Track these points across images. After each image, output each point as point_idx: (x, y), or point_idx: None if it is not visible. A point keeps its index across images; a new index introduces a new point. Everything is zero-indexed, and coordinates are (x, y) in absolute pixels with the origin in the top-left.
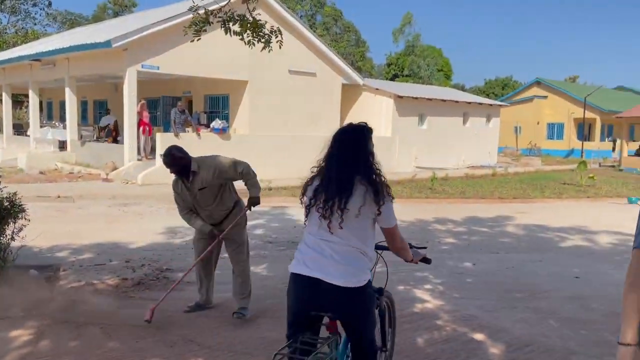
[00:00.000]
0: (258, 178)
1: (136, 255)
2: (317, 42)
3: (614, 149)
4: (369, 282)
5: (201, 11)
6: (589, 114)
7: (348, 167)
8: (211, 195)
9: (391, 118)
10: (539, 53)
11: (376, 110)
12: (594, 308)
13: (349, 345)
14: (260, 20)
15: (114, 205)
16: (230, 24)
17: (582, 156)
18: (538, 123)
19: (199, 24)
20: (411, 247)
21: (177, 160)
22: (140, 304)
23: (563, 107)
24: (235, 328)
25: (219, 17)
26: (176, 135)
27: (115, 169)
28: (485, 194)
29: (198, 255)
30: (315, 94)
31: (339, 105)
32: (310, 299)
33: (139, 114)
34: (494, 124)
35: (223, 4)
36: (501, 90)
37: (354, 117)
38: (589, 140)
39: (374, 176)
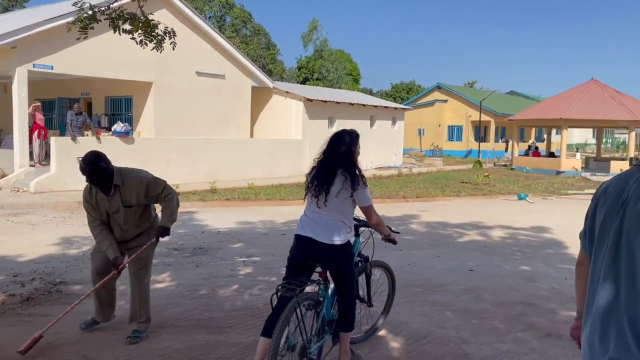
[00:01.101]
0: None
1: (26, 269)
2: (226, 43)
3: (506, 149)
4: (348, 242)
5: (86, 6)
6: (485, 117)
7: (333, 162)
8: (133, 214)
9: (301, 121)
10: (441, 59)
11: (286, 113)
12: (485, 298)
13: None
14: (153, 20)
15: (1, 215)
16: (120, 22)
17: (479, 156)
18: (439, 125)
19: (85, 21)
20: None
21: (98, 170)
22: (30, 321)
23: (462, 110)
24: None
25: (107, 14)
26: (73, 139)
27: (4, 176)
28: (391, 194)
29: (94, 268)
30: (224, 96)
31: (249, 108)
32: (306, 252)
33: (32, 116)
34: (399, 127)
35: (112, 0)
36: (406, 94)
37: (265, 120)
38: (484, 141)
39: (352, 169)
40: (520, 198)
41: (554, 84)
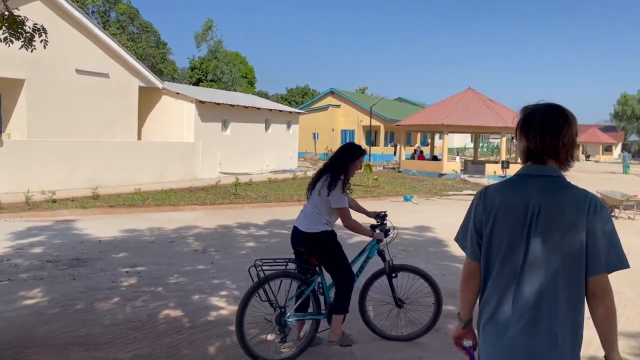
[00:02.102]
0: (38, 188)
1: None
2: (110, 40)
3: (395, 153)
4: (324, 232)
5: None
6: (375, 122)
7: (325, 168)
8: None
9: (193, 123)
10: (334, 65)
11: (177, 115)
12: (368, 297)
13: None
14: (20, 16)
15: None
16: None
17: (370, 160)
18: (333, 130)
19: None
20: (377, 216)
21: None
22: None
23: (354, 115)
24: None
25: None
26: None
27: None
28: (285, 198)
29: None
30: (109, 96)
31: (136, 110)
32: (293, 238)
33: None
34: (293, 131)
35: None
36: (301, 98)
37: (154, 122)
38: (375, 145)
39: (335, 175)
40: (406, 199)
41: (437, 91)
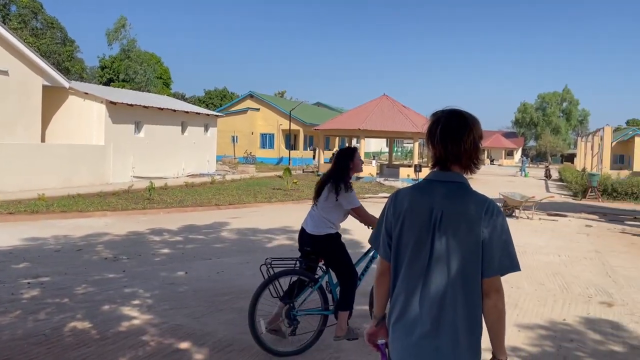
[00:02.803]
0: None
1: None
2: (9, 35)
3: (314, 157)
4: (329, 234)
5: None
6: (294, 126)
7: (328, 176)
8: None
9: (103, 125)
10: (253, 67)
11: (86, 116)
12: None
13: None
14: None
15: None
16: None
17: (289, 163)
18: (252, 133)
19: None
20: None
21: None
22: None
23: (273, 119)
24: None
25: None
26: None
27: None
28: (203, 202)
29: None
30: (9, 95)
31: (40, 110)
32: (300, 240)
33: None
34: (211, 134)
35: None
36: (220, 101)
37: (60, 123)
38: (295, 149)
39: (337, 181)
40: None
41: (354, 97)
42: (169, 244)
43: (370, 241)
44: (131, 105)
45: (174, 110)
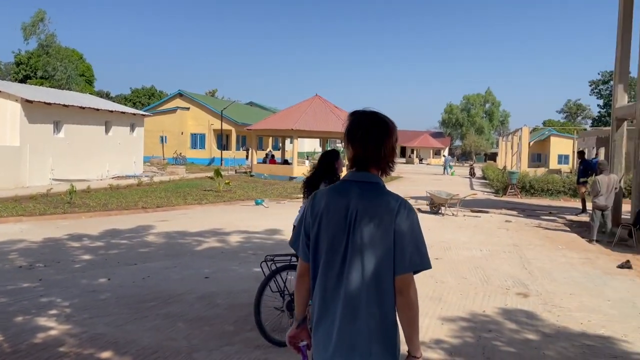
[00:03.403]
0: None
1: None
2: None
3: (247, 157)
4: None
5: None
6: (226, 126)
7: (319, 176)
8: None
9: (18, 125)
10: (182, 66)
11: None
12: (218, 304)
13: None
14: None
15: None
16: None
17: (221, 164)
18: (182, 133)
19: None
20: None
21: None
22: None
23: (204, 118)
24: None
25: None
26: None
27: None
28: (129, 205)
29: None
30: None
31: None
32: None
33: None
34: (138, 134)
35: None
36: (148, 100)
37: None
38: (227, 149)
39: (332, 178)
40: (257, 203)
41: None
42: (90, 250)
43: (290, 243)
44: (49, 103)
45: (97, 109)
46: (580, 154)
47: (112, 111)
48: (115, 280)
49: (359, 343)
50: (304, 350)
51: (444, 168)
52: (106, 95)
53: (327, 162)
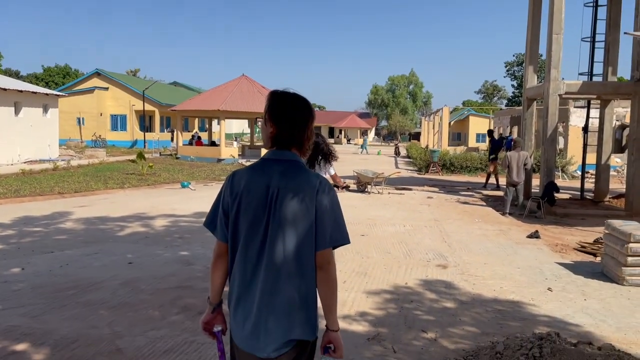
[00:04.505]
0: None
1: None
2: None
3: (172, 139)
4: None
5: None
6: (149, 107)
7: (315, 156)
8: None
9: None
10: (102, 44)
11: None
12: (143, 289)
13: None
14: None
15: None
16: None
17: (145, 146)
18: (101, 114)
19: None
20: None
21: None
22: None
23: (125, 99)
24: None
25: None
26: None
27: None
28: (44, 191)
29: None
30: None
31: None
32: None
33: None
34: (52, 115)
35: None
36: (62, 79)
37: None
38: (150, 131)
39: (326, 159)
40: (183, 186)
41: (212, 77)
42: (0, 239)
43: (205, 224)
44: None
45: (4, 89)
46: (490, 132)
47: (21, 91)
48: (29, 270)
49: (279, 319)
50: (219, 335)
51: (362, 146)
52: (15, 75)
53: (320, 147)
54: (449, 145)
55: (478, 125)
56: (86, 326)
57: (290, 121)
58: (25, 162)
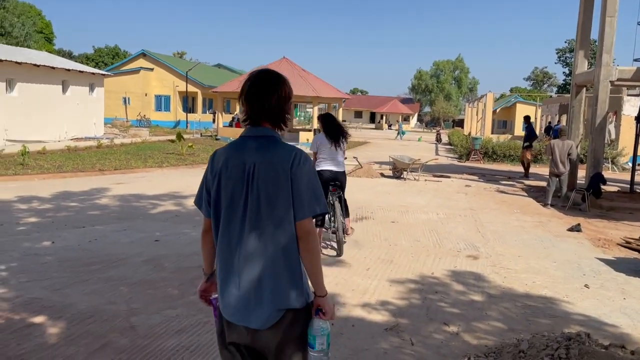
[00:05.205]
0: None
1: None
2: None
3: (214, 121)
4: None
5: None
6: (192, 88)
7: (337, 135)
8: None
9: None
10: (151, 26)
11: None
12: (165, 267)
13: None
14: None
15: None
16: None
17: (187, 127)
18: (146, 94)
19: None
20: None
21: None
22: None
23: (169, 80)
24: None
25: None
26: None
27: None
28: (85, 167)
29: None
30: None
31: None
32: (330, 176)
33: None
34: (98, 94)
35: None
36: (111, 60)
37: None
38: (193, 112)
39: (345, 137)
40: None
41: (256, 59)
42: (37, 212)
43: (195, 202)
44: (0, 60)
45: (53, 68)
46: (526, 119)
47: (69, 70)
48: (59, 243)
49: (266, 290)
50: (215, 303)
51: (398, 133)
52: (68, 55)
53: (328, 121)
54: (493, 133)
55: (525, 113)
56: (104, 302)
57: (259, 96)
58: (71, 139)
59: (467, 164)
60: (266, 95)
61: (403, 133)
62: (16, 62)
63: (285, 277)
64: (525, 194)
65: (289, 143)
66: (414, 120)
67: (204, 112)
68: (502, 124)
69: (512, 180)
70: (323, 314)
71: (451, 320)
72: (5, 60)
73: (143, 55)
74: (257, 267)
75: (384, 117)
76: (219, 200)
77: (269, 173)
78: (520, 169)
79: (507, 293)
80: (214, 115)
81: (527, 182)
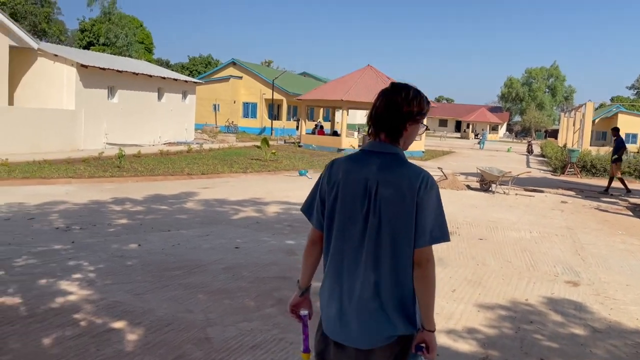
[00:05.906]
0: None
1: None
2: None
3: (297, 128)
4: None
5: None
6: (277, 96)
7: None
8: None
9: (74, 89)
10: (241, 35)
11: (56, 79)
12: (244, 276)
13: None
14: None
15: None
16: None
17: (272, 134)
18: (235, 102)
19: None
20: None
21: None
22: None
23: (256, 87)
24: None
25: None
26: None
27: None
28: (175, 171)
29: None
30: None
31: (6, 72)
32: None
33: None
34: (190, 101)
35: None
36: (204, 68)
37: (29, 86)
38: (278, 119)
39: None
40: (300, 174)
41: (340, 67)
42: (128, 214)
43: (302, 210)
44: (103, 69)
45: (150, 76)
46: (615, 130)
47: (164, 78)
48: (145, 247)
49: (376, 313)
50: (305, 320)
51: (480, 142)
52: (165, 64)
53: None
54: (591, 145)
55: (628, 124)
56: (182, 309)
57: (380, 113)
58: (164, 144)
59: (563, 177)
60: (399, 111)
61: (483, 143)
62: (117, 71)
63: (399, 302)
64: (631, 214)
65: (414, 163)
66: (502, 130)
67: (288, 119)
68: (602, 135)
69: (615, 198)
70: (427, 352)
71: (549, 357)
72: (108, 69)
73: (233, 64)
74: (371, 288)
75: (470, 126)
76: (334, 213)
77: (394, 194)
78: (619, 185)
79: (614, 328)
80: (298, 123)
81: (631, 200)
